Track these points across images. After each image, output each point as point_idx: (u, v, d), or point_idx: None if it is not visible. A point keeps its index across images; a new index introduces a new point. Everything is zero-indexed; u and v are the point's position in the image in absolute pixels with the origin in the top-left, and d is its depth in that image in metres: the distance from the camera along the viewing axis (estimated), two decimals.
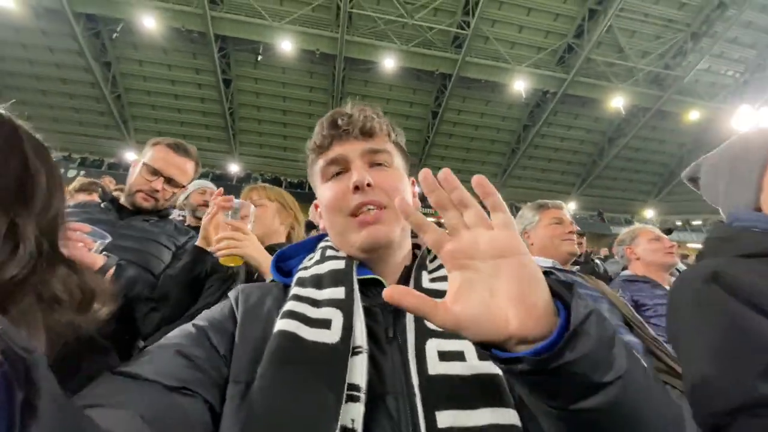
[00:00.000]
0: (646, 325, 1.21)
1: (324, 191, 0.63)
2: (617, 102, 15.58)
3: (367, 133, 0.63)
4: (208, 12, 12.70)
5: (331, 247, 0.62)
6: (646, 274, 1.92)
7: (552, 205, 1.58)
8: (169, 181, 1.39)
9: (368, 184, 0.59)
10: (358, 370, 0.43)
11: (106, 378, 0.40)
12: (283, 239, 1.49)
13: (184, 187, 1.47)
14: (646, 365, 0.45)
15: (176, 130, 17.10)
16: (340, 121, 0.63)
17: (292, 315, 0.48)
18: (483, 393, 0.43)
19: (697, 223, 19.48)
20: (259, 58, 14.19)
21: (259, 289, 0.58)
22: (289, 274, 0.62)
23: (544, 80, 15.32)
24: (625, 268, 2.10)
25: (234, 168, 17.58)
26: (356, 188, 0.58)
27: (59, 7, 12.39)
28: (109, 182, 4.58)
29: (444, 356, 0.46)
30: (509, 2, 13.53)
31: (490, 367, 0.45)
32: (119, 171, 15.19)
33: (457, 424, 0.40)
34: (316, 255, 0.62)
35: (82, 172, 14.03)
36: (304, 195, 14.92)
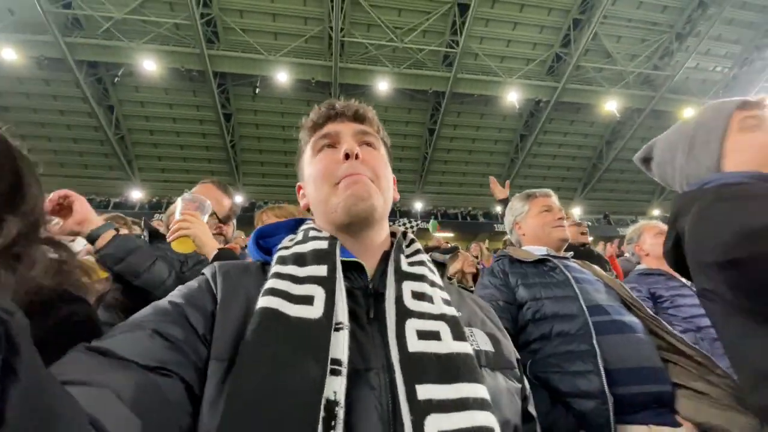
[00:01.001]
0: (645, 306, 1.21)
1: (314, 163, 0.64)
2: (611, 105, 15.79)
3: (359, 118, 0.67)
4: (205, 51, 13.16)
5: (313, 228, 0.62)
6: (660, 266, 1.93)
7: (540, 194, 1.59)
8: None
9: (357, 156, 0.61)
10: (340, 345, 0.44)
11: (79, 354, 0.38)
12: None
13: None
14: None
15: (179, 166, 17.43)
16: (336, 105, 0.67)
17: (274, 292, 0.48)
18: (457, 369, 0.46)
19: None
20: (257, 90, 14.57)
21: (236, 267, 0.58)
22: (267, 252, 0.62)
23: (535, 90, 15.61)
24: (638, 263, 2.10)
25: (239, 198, 17.71)
26: (346, 156, 0.60)
27: (61, 56, 12.90)
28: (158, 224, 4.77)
29: (422, 335, 0.48)
30: (495, 19, 13.98)
31: (464, 347, 0.49)
32: (125, 210, 15.39)
33: (435, 397, 0.42)
34: (298, 236, 0.61)
35: None
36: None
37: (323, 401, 0.38)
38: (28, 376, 0.20)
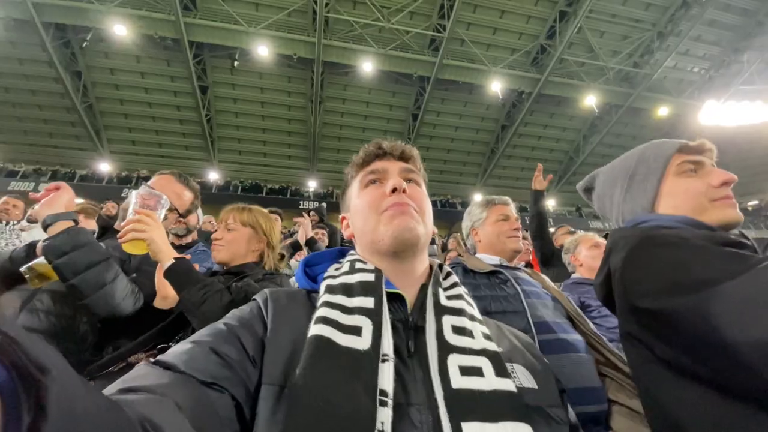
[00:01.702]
0: (588, 321, 1.24)
1: (361, 196, 0.69)
2: (590, 100, 16.03)
3: (405, 158, 0.73)
4: (181, 19, 12.50)
5: (359, 260, 0.64)
6: (591, 277, 2.01)
7: (499, 201, 1.60)
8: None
9: (404, 190, 0.65)
10: (386, 377, 0.45)
11: (147, 367, 0.43)
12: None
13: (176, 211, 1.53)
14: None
15: (151, 139, 16.75)
16: (384, 145, 0.73)
17: (326, 321, 0.50)
18: (503, 407, 0.46)
19: None
20: (236, 63, 14.00)
21: (286, 294, 0.61)
22: (313, 279, 0.67)
23: (519, 81, 15.64)
24: (573, 273, 2.23)
25: (213, 176, 17.30)
26: (393, 190, 0.65)
27: (28, 17, 12.01)
28: (111, 207, 4.53)
29: (465, 371, 0.49)
30: (483, 5, 13.80)
31: (507, 384, 0.49)
32: (92, 183, 14.75)
33: None
34: (345, 266, 0.63)
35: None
36: (285, 201, 14.82)
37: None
38: None
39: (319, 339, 0.48)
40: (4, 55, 13.49)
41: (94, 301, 1.15)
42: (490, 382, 0.48)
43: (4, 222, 3.21)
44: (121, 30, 12.72)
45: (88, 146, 16.38)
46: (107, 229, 1.56)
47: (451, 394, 0.46)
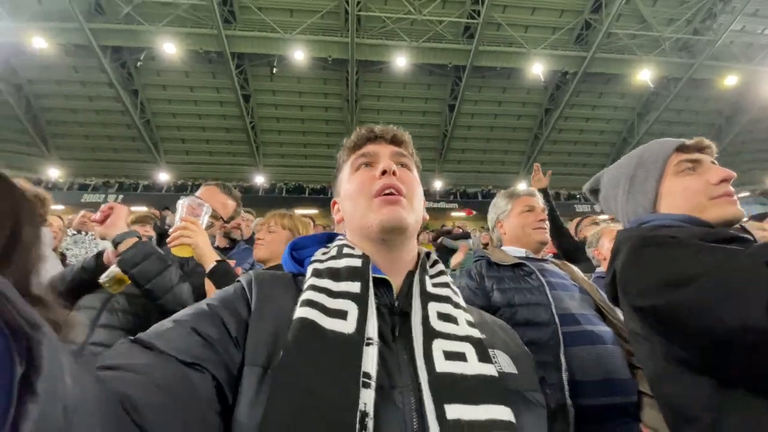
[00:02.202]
0: (618, 311, 1.20)
1: (351, 180, 0.68)
2: (644, 75, 14.83)
3: (396, 141, 0.73)
4: (222, 32, 13.16)
5: (347, 245, 0.64)
6: None
7: (524, 193, 1.58)
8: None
9: (394, 172, 0.64)
10: (371, 360, 0.47)
11: (126, 345, 0.43)
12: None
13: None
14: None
15: (202, 148, 17.84)
16: (375, 129, 0.73)
17: (311, 304, 0.51)
18: (484, 391, 0.48)
19: (744, 194, 18.24)
20: (274, 70, 14.53)
21: (271, 277, 0.61)
22: (300, 263, 0.66)
23: (562, 61, 14.81)
24: (598, 267, 2.16)
25: (260, 179, 18.08)
26: (383, 173, 0.64)
27: (86, 42, 13.24)
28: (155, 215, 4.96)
29: (449, 356, 0.50)
30: None
31: (489, 369, 0.50)
32: (152, 192, 15.99)
33: (463, 417, 0.44)
34: (332, 250, 0.64)
35: (121, 197, 14.91)
36: (326, 200, 15.10)
37: (358, 413, 0.41)
38: (48, 395, 0.20)
39: (304, 322, 0.48)
40: (68, 79, 15.00)
41: (166, 300, 1.29)
42: (473, 366, 0.50)
43: (84, 233, 3.58)
44: (170, 48, 13.63)
45: (148, 158, 17.77)
46: (162, 236, 1.71)
47: (435, 378, 0.47)
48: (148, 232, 2.23)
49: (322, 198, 16.48)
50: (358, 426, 0.40)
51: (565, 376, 1.06)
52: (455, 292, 0.63)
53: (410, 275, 0.63)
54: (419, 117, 17.43)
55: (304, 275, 0.60)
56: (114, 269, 1.28)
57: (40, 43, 13.28)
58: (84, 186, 16.23)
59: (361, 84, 15.80)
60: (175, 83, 15.65)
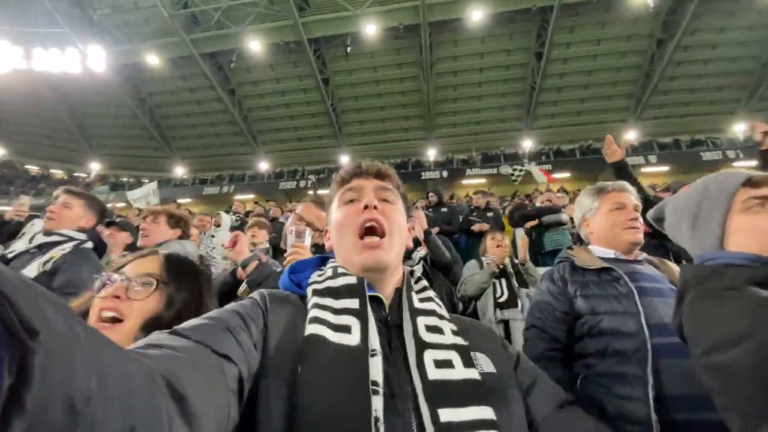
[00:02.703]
0: None
1: (338, 213, 0.75)
2: None
3: (381, 176, 0.79)
4: (298, 20, 13.72)
5: (340, 267, 0.70)
6: None
7: (613, 188, 1.39)
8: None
9: (375, 207, 0.71)
10: (376, 369, 0.52)
11: (165, 333, 0.47)
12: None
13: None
14: None
15: (293, 135, 19.26)
16: (362, 165, 0.80)
17: (319, 320, 0.57)
18: (469, 394, 0.54)
19: None
20: (348, 49, 14.71)
21: (283, 295, 0.66)
22: (298, 285, 0.71)
23: None
24: None
25: (344, 159, 18.92)
26: (365, 207, 0.71)
27: (188, 53, 15.20)
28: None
29: (438, 364, 0.56)
30: None
31: (473, 373, 0.57)
32: (257, 181, 17.91)
33: (455, 419, 0.50)
34: (327, 272, 0.69)
35: (233, 187, 17.09)
36: (407, 174, 15.13)
37: (372, 420, 0.47)
38: (36, 411, 0.19)
39: (315, 337, 0.54)
40: (178, 88, 17.42)
41: None
42: (459, 372, 0.56)
43: (203, 233, 4.32)
44: (255, 45, 14.77)
45: (249, 150, 19.90)
46: (276, 249, 1.94)
47: (428, 385, 0.53)
48: (257, 237, 2.58)
49: (403, 172, 16.54)
50: (373, 430, 0.46)
51: (651, 393, 0.99)
52: (439, 305, 0.70)
53: (398, 291, 0.69)
54: (501, 72, 16.11)
55: (304, 296, 0.66)
56: (245, 285, 1.58)
57: (153, 59, 15.64)
58: (203, 180, 18.91)
59: (435, 47, 15.12)
60: (263, 78, 16.98)
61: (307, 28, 14.19)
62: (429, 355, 0.57)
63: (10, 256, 1.83)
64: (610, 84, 16.18)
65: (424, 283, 0.76)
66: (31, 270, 1.65)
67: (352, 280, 0.65)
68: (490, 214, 4.89)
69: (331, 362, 0.51)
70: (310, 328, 0.55)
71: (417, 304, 0.66)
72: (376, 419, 0.47)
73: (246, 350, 0.51)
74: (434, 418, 0.49)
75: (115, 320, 0.77)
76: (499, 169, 15.27)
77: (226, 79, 16.92)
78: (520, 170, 10.47)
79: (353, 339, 0.55)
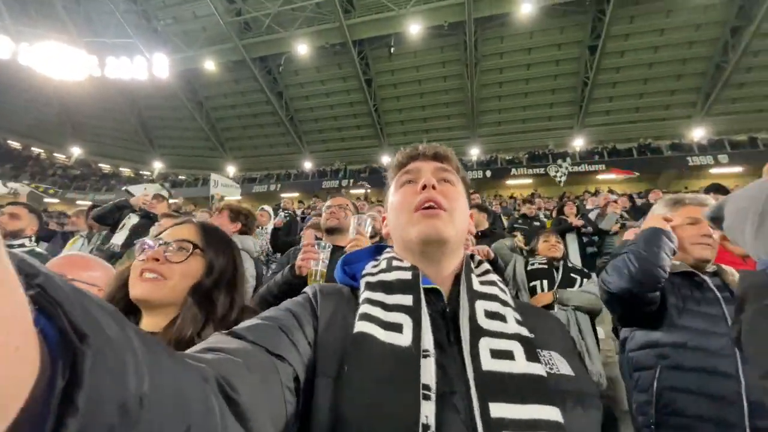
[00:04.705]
0: None
1: (395, 195, 0.72)
2: None
3: (439, 158, 0.74)
4: (343, 22, 13.98)
5: (395, 258, 0.66)
6: None
7: (690, 201, 1.36)
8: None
9: (434, 187, 0.66)
10: (428, 372, 0.47)
11: (221, 335, 0.47)
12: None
13: None
14: None
15: (336, 136, 19.70)
16: (419, 147, 0.76)
17: (369, 318, 0.53)
18: (531, 390, 0.47)
19: None
20: (392, 50, 14.78)
21: (333, 290, 0.64)
22: (352, 277, 0.69)
23: None
24: None
25: (386, 159, 19.05)
26: (424, 187, 0.67)
27: (241, 57, 16.02)
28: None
29: (495, 354, 0.51)
30: None
31: (537, 369, 0.50)
32: (301, 180, 18.54)
33: (508, 416, 0.44)
34: (382, 263, 0.65)
35: (279, 186, 17.85)
36: None
37: (420, 426, 0.43)
38: (89, 413, 0.20)
39: (364, 336, 0.50)
40: (231, 91, 18.40)
41: None
42: (520, 365, 0.50)
43: (261, 228, 4.55)
44: (303, 49, 15.25)
45: (295, 150, 20.63)
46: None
47: (480, 376, 0.48)
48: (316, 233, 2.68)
49: None
50: None
51: (744, 393, 1.00)
52: (503, 290, 0.63)
53: (458, 278, 0.64)
54: (551, 67, 15.39)
55: (358, 288, 0.62)
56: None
57: (209, 65, 16.68)
58: (252, 179, 19.90)
59: (480, 44, 14.76)
60: (309, 80, 17.51)
61: (351, 29, 14.42)
62: (485, 344, 0.52)
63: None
64: (673, 77, 14.89)
65: (487, 266, 0.70)
66: None
67: (407, 274, 0.61)
68: (537, 224, 4.68)
69: (378, 363, 0.48)
70: (359, 326, 0.52)
71: (477, 287, 0.61)
72: (426, 426, 0.43)
73: (301, 349, 0.50)
74: (484, 412, 0.45)
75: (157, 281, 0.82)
76: (546, 169, 14.67)
77: (275, 82, 17.63)
78: (564, 169, 9.95)
79: (404, 339, 0.51)
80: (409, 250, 0.66)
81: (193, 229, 0.90)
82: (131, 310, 0.84)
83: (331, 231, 1.93)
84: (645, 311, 1.23)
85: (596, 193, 9.47)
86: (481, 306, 0.57)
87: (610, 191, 9.10)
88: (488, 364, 0.50)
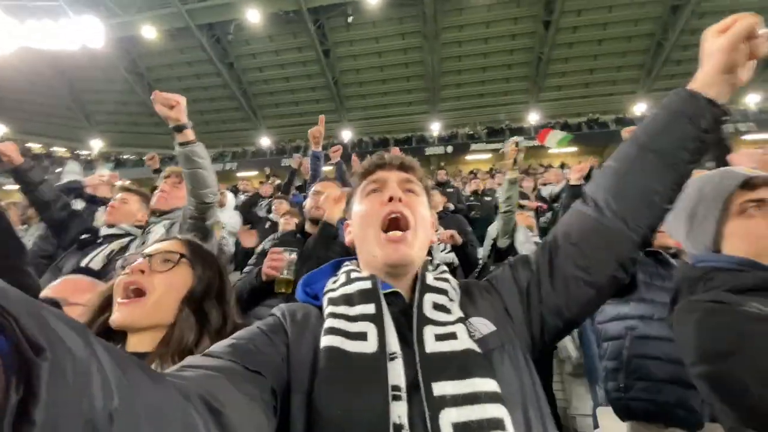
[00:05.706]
0: None
1: (360, 205, 0.73)
2: None
3: (405, 168, 0.76)
4: None
5: (353, 270, 0.69)
6: None
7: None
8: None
9: (399, 199, 0.69)
10: (396, 373, 0.51)
11: (199, 355, 0.50)
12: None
13: None
14: None
15: (293, 110, 18.90)
16: (386, 157, 0.78)
17: (334, 331, 0.56)
18: (471, 365, 0.52)
19: None
20: (350, 19, 14.21)
21: (301, 308, 0.66)
22: (314, 297, 0.71)
23: None
24: None
25: (348, 135, 18.64)
26: (390, 199, 0.68)
27: (185, 24, 14.68)
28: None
29: (440, 337, 0.55)
30: None
31: (476, 345, 0.55)
32: (259, 158, 17.74)
33: (449, 392, 0.49)
34: (341, 278, 0.68)
35: (235, 164, 16.96)
36: (412, 150, 14.93)
37: (391, 427, 0.46)
38: (47, 426, 0.19)
39: (331, 349, 0.53)
40: (177, 61, 16.96)
41: None
42: (462, 342, 0.55)
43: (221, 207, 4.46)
44: (254, 15, 14.26)
45: (250, 126, 19.61)
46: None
47: (424, 358, 0.52)
48: (290, 224, 2.81)
49: (407, 147, 16.32)
50: None
51: None
52: (454, 289, 0.67)
53: (416, 277, 0.68)
54: (508, 42, 15.55)
55: (321, 306, 0.65)
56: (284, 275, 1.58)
57: (149, 32, 15.19)
58: None
59: (440, 16, 14.54)
60: (262, 50, 16.50)
61: None
62: (430, 330, 0.56)
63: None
64: (620, 54, 15.60)
65: (444, 268, 0.74)
66: (97, 261, 1.78)
67: (367, 284, 0.63)
68: (487, 199, 4.78)
69: (346, 373, 0.51)
70: (325, 340, 0.55)
71: (429, 281, 0.65)
72: (400, 426, 0.46)
73: (275, 366, 0.52)
74: (427, 392, 0.49)
75: (140, 293, 0.82)
76: (503, 142, 15.07)
77: (225, 52, 16.46)
78: (513, 144, 10.18)
79: (370, 346, 0.54)
80: (372, 266, 0.69)
81: (179, 243, 0.92)
82: (117, 330, 0.82)
83: (315, 221, 1.87)
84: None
85: (548, 168, 9.83)
86: (429, 298, 0.62)
87: (562, 166, 9.48)
88: (432, 346, 0.54)
